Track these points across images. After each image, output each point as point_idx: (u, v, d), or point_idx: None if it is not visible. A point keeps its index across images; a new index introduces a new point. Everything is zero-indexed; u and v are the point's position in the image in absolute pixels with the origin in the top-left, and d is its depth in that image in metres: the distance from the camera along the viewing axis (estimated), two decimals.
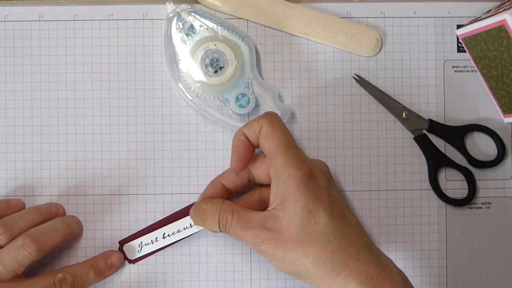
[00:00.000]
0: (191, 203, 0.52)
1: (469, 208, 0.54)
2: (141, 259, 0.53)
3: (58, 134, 0.53)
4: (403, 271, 0.46)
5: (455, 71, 0.54)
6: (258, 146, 0.48)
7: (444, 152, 0.54)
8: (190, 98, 0.53)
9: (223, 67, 0.52)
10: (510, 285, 0.54)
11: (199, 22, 0.52)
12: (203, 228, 0.51)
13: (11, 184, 0.53)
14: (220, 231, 0.47)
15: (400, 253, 0.54)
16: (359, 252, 0.44)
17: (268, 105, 0.53)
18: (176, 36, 0.52)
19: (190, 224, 0.52)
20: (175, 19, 0.52)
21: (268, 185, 0.47)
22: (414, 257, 0.54)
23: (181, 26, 0.52)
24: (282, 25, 0.54)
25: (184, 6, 0.52)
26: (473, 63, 0.54)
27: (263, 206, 0.49)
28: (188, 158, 0.54)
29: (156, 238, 0.53)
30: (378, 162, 0.54)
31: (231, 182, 0.50)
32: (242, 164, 0.48)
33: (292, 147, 0.46)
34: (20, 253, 0.47)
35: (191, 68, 0.52)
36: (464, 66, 0.54)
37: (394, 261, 0.46)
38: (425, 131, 0.54)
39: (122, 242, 0.53)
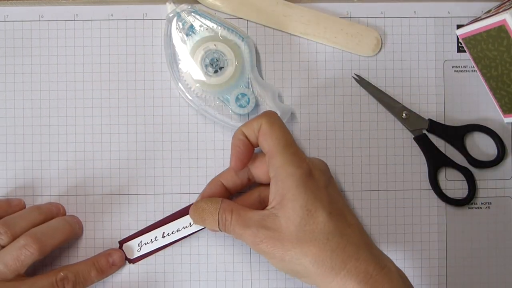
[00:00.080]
0: (191, 203, 0.52)
1: (469, 208, 0.54)
2: (141, 259, 0.53)
3: (58, 134, 0.53)
4: (403, 271, 0.46)
5: (455, 71, 0.54)
6: (258, 145, 0.48)
7: (444, 152, 0.54)
8: (190, 98, 0.53)
9: (223, 67, 0.52)
10: (510, 285, 0.54)
11: (199, 22, 0.52)
12: (202, 227, 0.51)
13: (11, 184, 0.53)
14: (220, 230, 0.47)
15: (400, 253, 0.54)
16: (358, 251, 0.44)
17: (268, 105, 0.53)
18: (176, 36, 0.52)
19: (190, 223, 0.52)
20: (175, 19, 0.52)
21: (268, 184, 0.47)
22: (414, 257, 0.54)
23: (181, 26, 0.52)
24: (282, 25, 0.54)
25: (184, 6, 0.52)
26: (473, 63, 0.54)
27: (262, 205, 0.49)
28: (188, 158, 0.54)
29: (156, 237, 0.53)
30: (378, 162, 0.54)
31: (230, 181, 0.50)
32: (241, 164, 0.48)
33: (291, 146, 0.46)
34: (22, 253, 0.47)
35: (191, 68, 0.52)
36: (464, 66, 0.54)
37: (394, 261, 0.46)
38: (425, 131, 0.54)
39: (122, 242, 0.53)
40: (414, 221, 0.54)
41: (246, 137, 0.47)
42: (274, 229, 0.45)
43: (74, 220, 0.52)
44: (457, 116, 0.54)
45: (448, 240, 0.54)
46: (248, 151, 0.48)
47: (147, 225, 0.53)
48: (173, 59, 0.53)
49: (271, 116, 0.47)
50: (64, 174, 0.53)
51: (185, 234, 0.52)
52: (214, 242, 0.53)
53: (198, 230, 0.52)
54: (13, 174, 0.53)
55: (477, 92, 0.54)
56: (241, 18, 0.54)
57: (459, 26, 0.54)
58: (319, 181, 0.46)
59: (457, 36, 0.54)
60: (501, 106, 0.53)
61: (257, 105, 0.53)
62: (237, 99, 0.52)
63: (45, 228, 0.49)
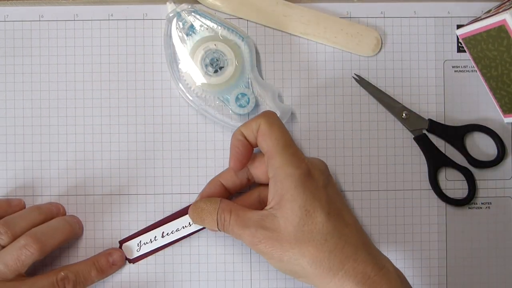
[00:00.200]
0: (191, 203, 0.52)
1: (469, 208, 0.54)
2: (141, 259, 0.53)
3: (58, 134, 0.53)
4: (403, 271, 0.46)
5: (455, 71, 0.54)
6: (257, 146, 0.48)
7: (444, 152, 0.54)
8: (190, 98, 0.53)
9: (223, 67, 0.52)
10: (510, 285, 0.54)
11: (199, 22, 0.52)
12: (202, 227, 0.51)
13: (11, 184, 0.53)
14: (219, 230, 0.47)
15: (400, 253, 0.54)
16: (357, 252, 0.44)
17: (268, 105, 0.53)
18: (176, 36, 0.52)
19: (189, 223, 0.52)
20: (175, 19, 0.52)
21: (267, 185, 0.47)
22: (414, 257, 0.54)
23: (181, 26, 0.52)
24: (282, 25, 0.54)
25: (184, 6, 0.52)
26: (473, 63, 0.54)
27: (262, 205, 0.49)
28: (188, 158, 0.54)
29: (155, 237, 0.53)
30: (378, 162, 0.54)
31: (230, 182, 0.50)
32: (240, 164, 0.48)
33: (290, 146, 0.46)
34: (22, 253, 0.47)
35: (191, 68, 0.52)
36: (464, 66, 0.54)
37: (394, 261, 0.46)
38: (425, 131, 0.54)
39: (122, 242, 0.53)
40: (414, 221, 0.54)
41: (245, 137, 0.47)
42: (272, 230, 0.45)
43: (74, 220, 0.52)
44: (457, 116, 0.54)
45: (448, 240, 0.54)
46: (247, 151, 0.48)
47: (147, 225, 0.53)
48: (173, 59, 0.53)
49: (270, 116, 0.47)
50: (64, 174, 0.53)
51: (185, 234, 0.52)
52: (214, 242, 0.53)
53: (198, 230, 0.52)
54: (13, 174, 0.53)
55: (477, 92, 0.54)
56: (241, 18, 0.54)
57: (459, 26, 0.54)
58: (318, 181, 0.46)
59: (457, 36, 0.54)
60: (501, 106, 0.53)
61: (257, 105, 0.53)
62: (237, 99, 0.52)
63: (45, 228, 0.49)
